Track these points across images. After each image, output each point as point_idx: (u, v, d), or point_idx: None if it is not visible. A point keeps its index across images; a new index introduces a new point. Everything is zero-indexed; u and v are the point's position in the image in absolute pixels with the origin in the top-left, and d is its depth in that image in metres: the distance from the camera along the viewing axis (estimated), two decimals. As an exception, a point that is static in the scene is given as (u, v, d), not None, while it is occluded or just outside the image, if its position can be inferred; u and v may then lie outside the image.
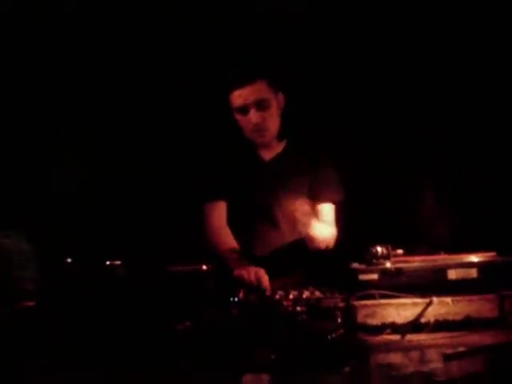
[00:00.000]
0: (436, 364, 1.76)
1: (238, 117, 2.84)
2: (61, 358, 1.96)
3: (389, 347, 1.95)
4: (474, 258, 2.28)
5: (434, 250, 2.42)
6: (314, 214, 2.87)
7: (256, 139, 2.88)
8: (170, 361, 1.89)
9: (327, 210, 2.93)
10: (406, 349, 1.92)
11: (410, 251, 2.40)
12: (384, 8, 3.48)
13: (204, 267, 2.36)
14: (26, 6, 3.48)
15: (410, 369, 1.76)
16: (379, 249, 2.29)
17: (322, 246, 2.79)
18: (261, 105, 2.80)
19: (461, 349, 1.81)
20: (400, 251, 2.39)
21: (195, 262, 2.65)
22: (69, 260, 2.28)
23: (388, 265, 2.25)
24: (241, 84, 2.79)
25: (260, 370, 1.78)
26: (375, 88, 3.55)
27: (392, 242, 2.32)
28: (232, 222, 2.92)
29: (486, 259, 2.29)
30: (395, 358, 1.87)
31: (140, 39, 3.56)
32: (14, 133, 3.50)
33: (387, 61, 3.52)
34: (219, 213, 2.93)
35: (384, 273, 2.23)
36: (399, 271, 2.23)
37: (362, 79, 3.54)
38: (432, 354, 1.85)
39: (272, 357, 1.81)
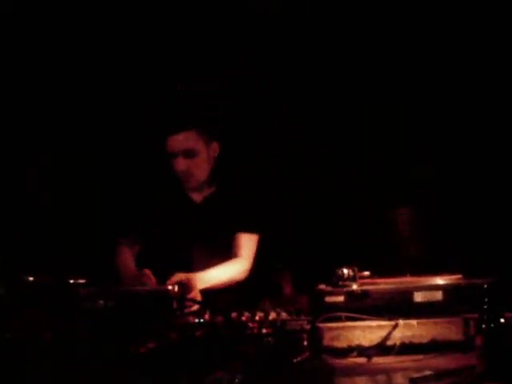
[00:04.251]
0: (402, 388, 1.76)
1: (171, 161, 3.00)
2: (22, 378, 1.92)
3: (355, 370, 1.94)
4: (440, 281, 2.29)
5: (399, 271, 2.42)
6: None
7: (183, 184, 3.04)
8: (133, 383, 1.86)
9: (243, 241, 2.97)
10: (372, 372, 1.90)
11: (376, 273, 2.40)
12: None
13: (169, 287, 2.34)
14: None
15: (377, 393, 1.75)
16: (346, 271, 2.29)
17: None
18: (188, 153, 2.95)
19: (427, 372, 1.80)
20: (366, 273, 2.39)
21: (159, 282, 2.64)
22: (30, 278, 2.24)
23: (354, 287, 2.25)
24: (172, 132, 2.95)
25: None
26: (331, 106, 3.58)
27: (358, 264, 2.32)
28: (154, 256, 3.00)
29: (452, 282, 2.29)
30: (361, 381, 1.85)
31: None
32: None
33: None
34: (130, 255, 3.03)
35: (350, 295, 2.22)
36: (365, 293, 2.23)
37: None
38: (398, 378, 1.84)
39: (236, 380, 1.79)
